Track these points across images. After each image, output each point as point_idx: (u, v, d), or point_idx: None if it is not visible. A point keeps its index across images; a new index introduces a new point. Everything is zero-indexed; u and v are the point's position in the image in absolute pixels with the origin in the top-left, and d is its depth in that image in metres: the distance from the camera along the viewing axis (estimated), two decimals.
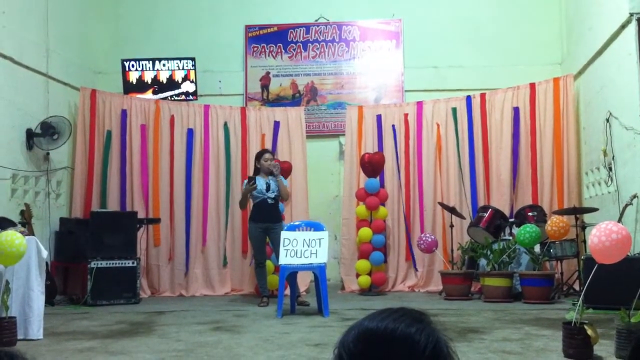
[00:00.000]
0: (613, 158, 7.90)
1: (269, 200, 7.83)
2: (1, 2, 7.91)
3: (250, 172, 9.54)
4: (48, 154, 8.80)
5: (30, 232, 7.20)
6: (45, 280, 5.92)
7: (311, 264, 6.99)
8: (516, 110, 9.51)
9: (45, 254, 5.79)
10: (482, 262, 8.22)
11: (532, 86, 9.49)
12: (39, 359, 4.52)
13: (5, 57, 7.97)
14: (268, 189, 7.83)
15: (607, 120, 8.00)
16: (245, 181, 7.97)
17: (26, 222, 7.81)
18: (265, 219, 7.83)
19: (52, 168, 8.97)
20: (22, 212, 8.01)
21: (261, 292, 8.03)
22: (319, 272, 6.91)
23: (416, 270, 9.50)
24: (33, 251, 5.65)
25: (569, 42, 9.93)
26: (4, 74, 7.96)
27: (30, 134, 8.47)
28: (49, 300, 7.24)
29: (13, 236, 5.27)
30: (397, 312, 1.26)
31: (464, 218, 9.19)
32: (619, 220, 6.59)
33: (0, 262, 5.31)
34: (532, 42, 10.32)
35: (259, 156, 8.10)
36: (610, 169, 7.95)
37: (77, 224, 8.83)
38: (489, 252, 8.01)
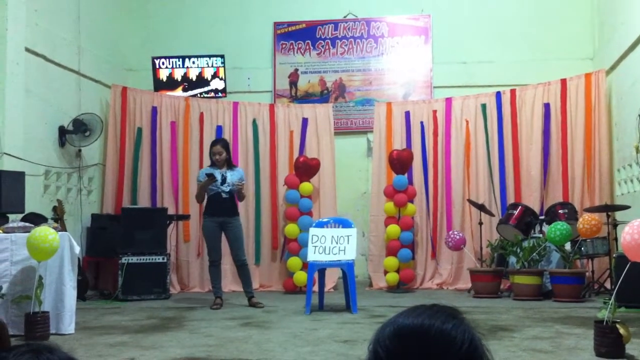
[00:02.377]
0: None
1: (223, 195, 7.34)
2: (34, 0, 8.02)
3: (281, 170, 9.64)
4: (80, 150, 8.92)
5: (63, 228, 7.30)
6: (77, 275, 6.01)
7: (339, 260, 7.01)
8: (547, 107, 9.42)
9: (77, 249, 5.88)
10: (512, 259, 8.17)
11: (563, 82, 9.39)
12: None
13: (38, 54, 8.09)
14: (224, 182, 7.34)
15: None
16: (201, 172, 7.56)
17: (59, 218, 7.92)
18: (219, 213, 7.37)
19: (84, 165, 9.10)
20: (54, 208, 8.13)
21: (214, 293, 7.53)
22: (347, 269, 6.91)
23: (438, 265, 9.47)
24: (66, 247, 5.74)
25: (600, 36, 9.80)
26: (36, 71, 8.08)
27: (62, 131, 8.60)
28: (81, 295, 7.34)
29: (46, 232, 5.36)
30: (431, 308, 1.26)
31: (494, 215, 9.12)
32: None
33: (34, 257, 5.40)
34: (563, 37, 10.20)
35: (210, 147, 7.62)
36: None
37: (108, 220, 8.95)
38: (518, 250, 7.95)
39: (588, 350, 4.44)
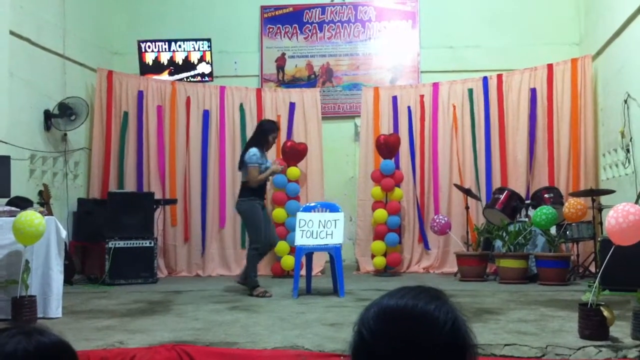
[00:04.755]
0: (631, 140, 7.84)
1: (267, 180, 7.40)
2: None
3: (269, 155, 9.57)
4: (66, 134, 8.87)
5: (49, 213, 7.27)
6: (64, 259, 5.99)
7: (327, 244, 7.01)
8: (533, 92, 9.45)
9: (64, 233, 5.85)
10: (498, 243, 8.22)
11: (550, 67, 9.41)
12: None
13: (22, 38, 8.01)
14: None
15: (626, 102, 7.93)
16: (257, 153, 7.05)
17: (45, 203, 7.87)
18: (263, 197, 7.34)
19: (69, 149, 9.05)
20: (40, 193, 8.08)
21: (257, 281, 7.09)
22: (334, 253, 6.93)
23: (428, 249, 9.51)
24: (52, 231, 5.71)
25: (587, 22, 9.82)
26: (22, 55, 8.00)
27: (48, 115, 8.54)
28: (68, 280, 7.34)
29: (32, 216, 5.33)
30: (415, 289, 1.27)
31: (480, 200, 9.17)
32: (637, 202, 6.56)
33: (20, 242, 5.38)
34: (549, 22, 10.20)
35: (270, 129, 7.30)
36: (628, 150, 7.90)
37: (95, 205, 8.92)
38: (504, 234, 8.00)
39: (572, 333, 4.48)
